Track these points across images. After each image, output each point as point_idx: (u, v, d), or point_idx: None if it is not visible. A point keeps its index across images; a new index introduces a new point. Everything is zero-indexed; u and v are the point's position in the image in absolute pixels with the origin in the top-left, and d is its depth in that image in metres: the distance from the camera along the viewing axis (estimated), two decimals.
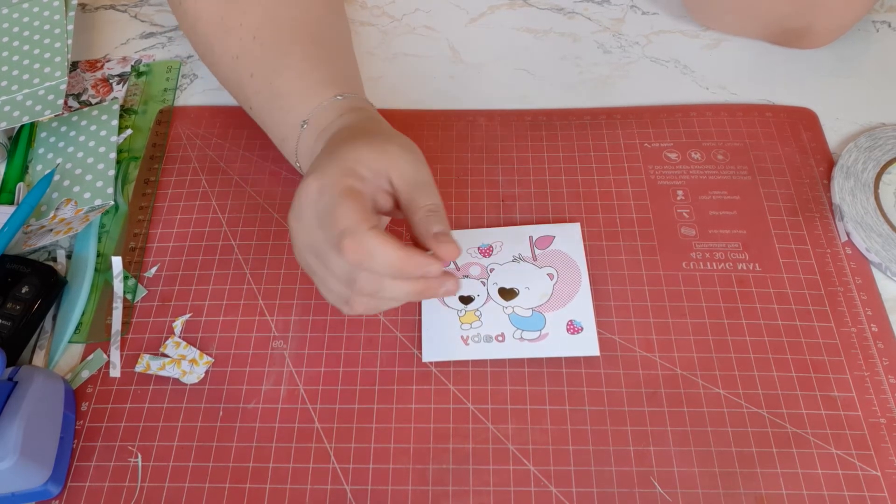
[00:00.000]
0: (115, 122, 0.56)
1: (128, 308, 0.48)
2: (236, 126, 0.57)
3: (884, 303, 0.47)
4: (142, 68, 0.61)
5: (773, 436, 0.42)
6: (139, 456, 0.43)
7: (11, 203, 0.53)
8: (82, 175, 0.53)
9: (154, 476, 0.42)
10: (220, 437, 0.43)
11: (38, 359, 0.47)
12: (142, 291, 0.49)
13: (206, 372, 0.46)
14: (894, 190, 0.51)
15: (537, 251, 0.49)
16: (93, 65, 0.62)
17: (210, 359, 0.46)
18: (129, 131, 0.57)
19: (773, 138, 0.54)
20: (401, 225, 0.50)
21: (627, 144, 0.54)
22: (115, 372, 0.46)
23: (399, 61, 0.61)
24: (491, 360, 0.45)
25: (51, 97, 0.55)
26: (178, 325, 0.47)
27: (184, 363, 0.46)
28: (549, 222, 0.51)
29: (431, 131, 0.56)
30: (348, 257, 0.36)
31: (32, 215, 0.52)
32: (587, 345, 0.45)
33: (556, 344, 0.45)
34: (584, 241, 0.49)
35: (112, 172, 0.53)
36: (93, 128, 0.56)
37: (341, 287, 0.39)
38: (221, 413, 0.44)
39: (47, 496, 0.41)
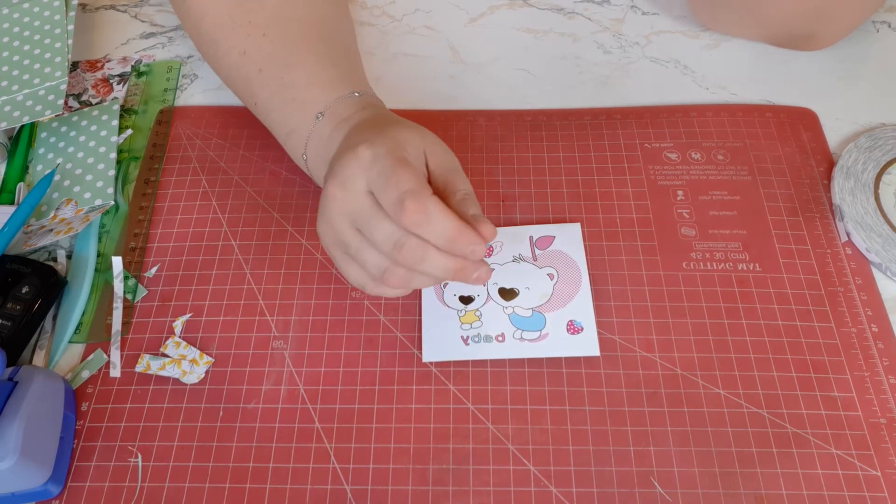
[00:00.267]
0: (116, 123, 0.56)
1: (128, 308, 0.48)
2: (236, 126, 0.57)
3: (884, 303, 0.47)
4: (142, 68, 0.61)
5: (773, 436, 0.42)
6: (139, 456, 0.43)
7: (12, 203, 0.53)
8: (82, 175, 0.53)
9: (154, 476, 0.42)
10: (221, 437, 0.43)
11: (39, 359, 0.47)
12: (142, 291, 0.49)
13: (207, 372, 0.46)
14: (894, 190, 0.51)
15: (537, 251, 0.49)
16: (93, 65, 0.62)
17: (210, 359, 0.46)
18: (129, 131, 0.57)
19: (773, 138, 0.54)
20: None
21: (627, 144, 0.54)
22: (115, 372, 0.46)
23: (399, 61, 0.61)
24: (491, 361, 0.45)
25: (51, 97, 0.55)
26: (179, 325, 0.47)
27: (184, 363, 0.46)
28: (549, 222, 0.51)
29: (431, 131, 0.55)
30: (408, 217, 0.36)
31: (33, 215, 0.52)
32: (587, 345, 0.45)
33: (557, 344, 0.45)
34: (584, 241, 0.49)
35: (112, 172, 0.53)
36: (93, 128, 0.56)
37: (379, 258, 0.39)
38: (221, 413, 0.44)
39: (47, 496, 0.41)
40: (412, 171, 0.38)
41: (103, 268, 0.50)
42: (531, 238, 0.50)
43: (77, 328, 0.48)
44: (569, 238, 0.50)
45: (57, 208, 0.52)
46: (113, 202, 0.52)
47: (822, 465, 0.41)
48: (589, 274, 0.48)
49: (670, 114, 0.56)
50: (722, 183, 0.52)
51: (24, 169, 0.55)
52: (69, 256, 0.51)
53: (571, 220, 0.51)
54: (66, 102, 0.58)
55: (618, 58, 0.60)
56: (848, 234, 0.49)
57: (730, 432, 0.42)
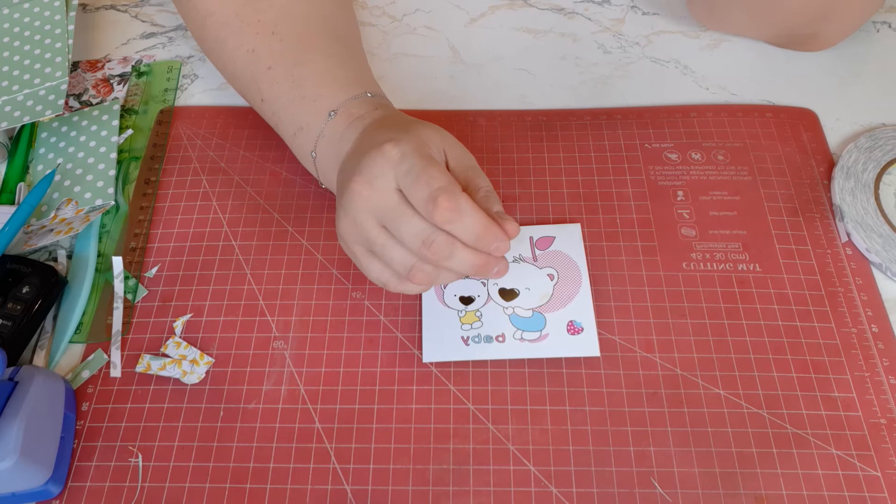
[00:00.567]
0: (116, 123, 0.56)
1: (128, 308, 0.48)
2: (237, 126, 0.57)
3: (884, 303, 0.47)
4: (142, 68, 0.61)
5: (773, 436, 0.42)
6: (140, 456, 0.43)
7: (12, 203, 0.53)
8: (83, 175, 0.53)
9: (154, 476, 0.42)
10: (221, 438, 0.43)
11: (39, 359, 0.47)
12: (142, 291, 0.49)
13: (207, 372, 0.46)
14: (895, 190, 0.51)
15: (538, 252, 0.49)
16: (93, 65, 0.62)
17: (211, 359, 0.46)
18: (129, 131, 0.57)
19: (774, 138, 0.54)
20: None
21: (627, 145, 0.54)
22: (115, 372, 0.46)
23: (399, 61, 0.61)
24: (491, 361, 0.45)
25: (51, 97, 0.55)
26: (179, 325, 0.47)
27: (184, 363, 0.46)
28: (549, 223, 0.51)
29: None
30: (441, 214, 0.37)
31: (33, 215, 0.52)
32: (587, 345, 0.45)
33: (557, 344, 0.45)
34: (584, 241, 0.50)
35: (113, 172, 0.53)
36: (93, 128, 0.56)
37: (406, 255, 0.39)
38: (222, 413, 0.44)
39: (48, 496, 0.41)
40: (442, 169, 0.38)
41: (104, 268, 0.50)
42: (531, 238, 0.50)
43: (77, 328, 0.48)
44: (569, 238, 0.50)
45: (57, 208, 0.52)
46: (113, 202, 0.52)
47: (822, 466, 0.41)
48: (589, 274, 0.48)
49: (670, 114, 0.56)
50: (722, 183, 0.52)
51: (25, 169, 0.55)
52: (69, 256, 0.51)
53: (571, 221, 0.51)
54: (66, 102, 0.58)
55: (618, 58, 0.60)
56: (848, 235, 0.49)
57: (730, 433, 0.42)
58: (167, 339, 0.47)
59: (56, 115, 0.54)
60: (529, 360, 0.45)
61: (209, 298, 0.48)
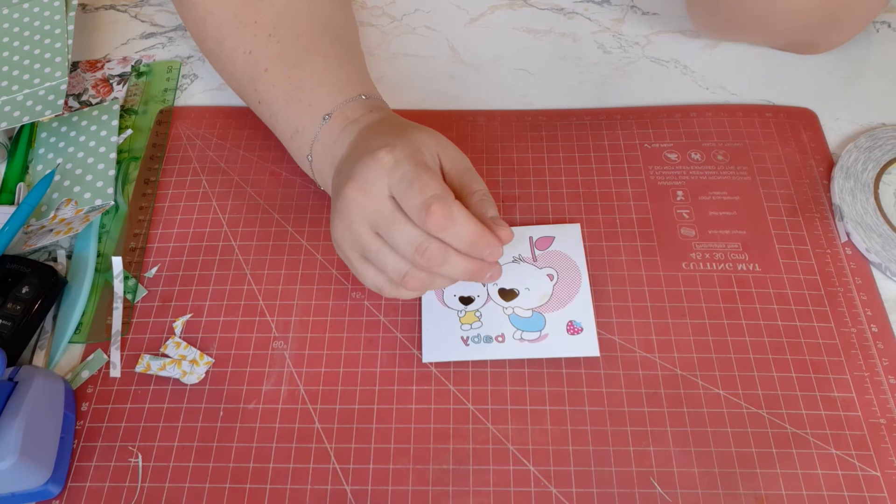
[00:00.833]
0: (116, 123, 0.56)
1: (128, 308, 0.48)
2: (237, 126, 0.57)
3: (884, 303, 0.47)
4: (142, 68, 0.61)
5: (772, 436, 0.42)
6: (139, 456, 0.43)
7: (12, 203, 0.53)
8: (83, 175, 0.53)
9: (154, 476, 0.42)
10: (221, 438, 0.43)
11: (39, 359, 0.47)
12: (142, 292, 0.49)
13: (207, 372, 0.46)
14: (894, 190, 0.51)
15: (537, 252, 0.49)
16: (93, 65, 0.62)
17: (210, 359, 0.46)
18: (129, 131, 0.57)
19: (773, 138, 0.54)
20: None
21: (627, 145, 0.54)
22: (115, 372, 0.46)
23: (399, 61, 0.61)
24: (491, 361, 0.45)
25: (51, 97, 0.55)
26: (179, 325, 0.47)
27: (184, 363, 0.46)
28: (549, 223, 0.51)
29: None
30: (434, 222, 0.37)
31: (33, 215, 0.52)
32: (587, 345, 0.45)
33: (556, 344, 0.45)
34: (584, 241, 0.50)
35: (112, 172, 0.53)
36: (93, 128, 0.56)
37: (399, 261, 0.40)
38: (222, 413, 0.44)
39: (47, 496, 0.41)
40: (435, 176, 0.38)
41: (103, 268, 0.50)
42: (531, 238, 0.50)
43: (77, 328, 0.48)
44: (569, 238, 0.50)
45: (57, 208, 0.52)
46: (113, 202, 0.52)
47: (821, 466, 0.41)
48: (589, 274, 0.48)
49: (670, 114, 0.56)
50: (722, 183, 0.52)
51: (24, 169, 0.55)
52: (69, 256, 0.51)
53: (571, 221, 0.51)
54: (66, 102, 0.58)
55: (618, 58, 0.60)
56: (848, 234, 0.49)
57: (729, 433, 0.42)
58: (167, 339, 0.47)
59: (56, 116, 0.54)
60: (529, 360, 0.45)
61: (209, 298, 0.48)
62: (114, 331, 0.47)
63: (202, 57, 0.61)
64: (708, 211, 0.51)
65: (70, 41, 0.58)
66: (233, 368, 0.46)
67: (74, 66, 0.61)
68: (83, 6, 0.66)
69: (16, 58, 0.58)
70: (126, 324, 0.48)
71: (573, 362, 0.45)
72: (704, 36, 0.61)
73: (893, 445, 0.42)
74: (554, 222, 0.51)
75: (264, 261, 0.50)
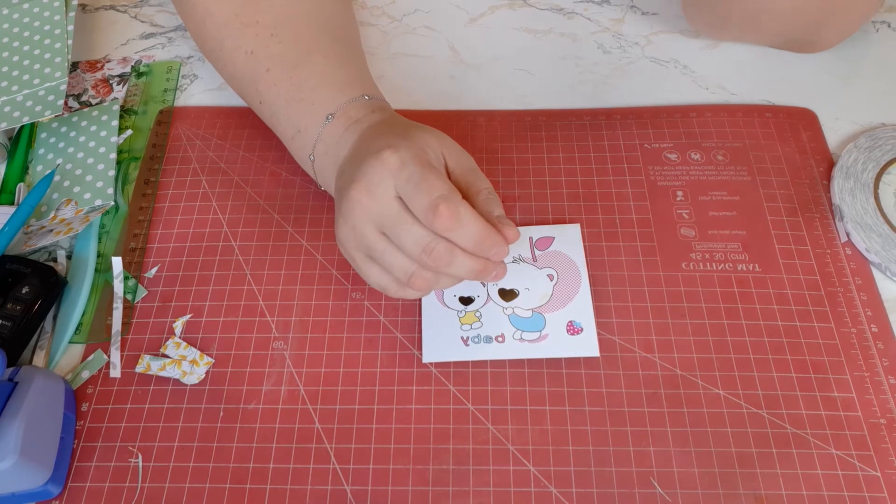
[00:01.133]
0: (116, 123, 0.56)
1: (128, 308, 0.48)
2: (236, 127, 0.57)
3: (884, 303, 0.47)
4: (142, 69, 0.61)
5: (772, 436, 0.42)
6: (139, 456, 0.43)
7: (11, 203, 0.53)
8: (82, 175, 0.53)
9: (154, 476, 0.42)
10: (221, 438, 0.43)
11: (39, 359, 0.47)
12: (142, 292, 0.49)
13: (207, 373, 0.46)
14: (894, 190, 0.51)
15: (537, 252, 0.49)
16: (93, 65, 0.62)
17: (210, 359, 0.46)
18: (129, 132, 0.57)
19: (773, 138, 0.54)
20: None
21: (627, 145, 0.54)
22: (115, 372, 0.46)
23: (399, 61, 0.61)
24: (491, 361, 0.45)
25: (51, 98, 0.55)
26: (179, 325, 0.47)
27: (184, 364, 0.46)
28: (548, 223, 0.51)
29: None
30: (441, 222, 0.37)
31: (33, 216, 0.52)
32: (587, 345, 0.45)
33: (556, 345, 0.45)
34: (583, 241, 0.50)
35: (112, 173, 0.53)
36: (93, 128, 0.56)
37: (406, 262, 0.40)
38: (222, 414, 0.44)
39: (47, 496, 0.41)
40: (441, 177, 0.38)
41: (103, 268, 0.50)
42: (531, 239, 0.50)
43: (77, 328, 0.48)
44: (568, 239, 0.50)
45: (57, 209, 0.52)
46: (113, 202, 0.52)
47: (821, 466, 0.41)
48: (588, 274, 0.48)
49: (670, 114, 0.56)
50: (721, 183, 0.52)
51: (24, 169, 0.55)
52: (69, 257, 0.51)
53: (571, 221, 0.51)
54: (65, 103, 0.58)
55: (618, 58, 0.60)
56: (848, 235, 0.49)
57: (729, 433, 0.42)
58: (167, 339, 0.47)
59: (55, 116, 0.54)
60: (529, 360, 0.45)
61: (209, 299, 0.48)
62: (114, 331, 0.47)
63: (202, 57, 0.61)
64: (708, 211, 0.51)
65: (70, 41, 0.58)
66: (233, 369, 0.46)
67: (74, 66, 0.61)
68: (83, 6, 0.66)
69: (15, 58, 0.58)
70: (126, 324, 0.48)
71: (573, 362, 0.45)
72: (703, 35, 0.61)
73: (893, 445, 0.42)
74: (554, 222, 0.51)
75: (264, 261, 0.50)
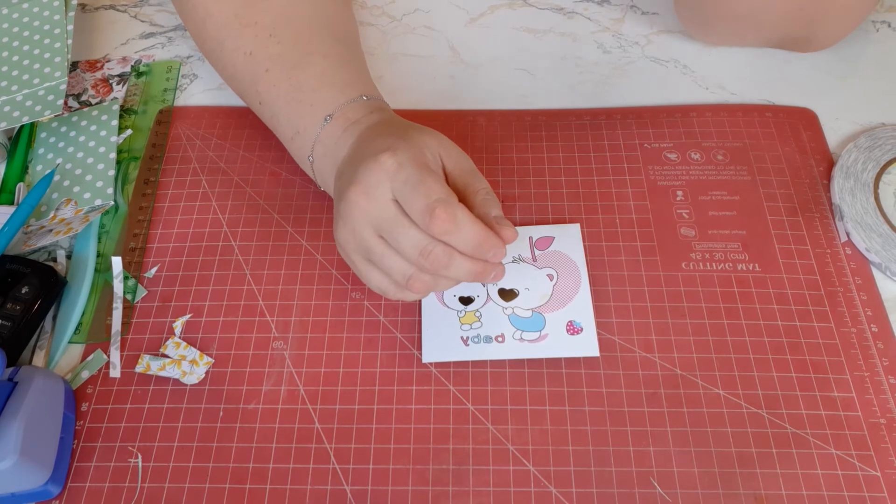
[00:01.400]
0: (115, 123, 0.56)
1: (128, 308, 0.48)
2: (236, 126, 0.57)
3: (884, 303, 0.47)
4: (142, 68, 0.61)
5: (772, 436, 0.42)
6: (139, 456, 0.43)
7: (11, 203, 0.53)
8: (82, 175, 0.53)
9: (154, 476, 0.42)
10: (221, 438, 0.43)
11: (38, 359, 0.47)
12: (142, 292, 0.49)
13: (207, 372, 0.46)
14: (894, 190, 0.51)
15: (537, 252, 0.49)
16: (93, 65, 0.62)
17: (210, 359, 0.46)
18: (128, 131, 0.57)
19: (773, 138, 0.54)
20: None
21: (627, 145, 0.54)
22: (115, 372, 0.46)
23: (399, 61, 0.61)
24: (491, 361, 0.45)
25: (51, 97, 0.55)
26: (179, 325, 0.47)
27: (184, 364, 0.46)
28: (548, 223, 0.51)
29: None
30: (438, 225, 0.37)
31: (32, 215, 0.52)
32: (587, 345, 0.45)
33: (556, 344, 0.45)
34: (583, 241, 0.49)
35: (112, 172, 0.53)
36: (93, 128, 0.56)
37: (404, 265, 0.40)
38: (221, 414, 0.44)
39: (47, 496, 0.41)
40: (438, 179, 0.38)
41: (103, 268, 0.50)
42: (531, 239, 0.50)
43: (77, 328, 0.48)
44: (568, 238, 0.50)
45: (57, 208, 0.52)
46: (112, 202, 0.52)
47: (821, 466, 0.41)
48: (588, 274, 0.48)
49: (670, 114, 0.56)
50: (721, 183, 0.52)
51: (24, 169, 0.55)
52: (69, 256, 0.51)
53: (571, 221, 0.51)
54: (65, 102, 0.58)
55: (618, 58, 0.60)
56: (848, 234, 0.49)
57: (729, 433, 0.42)
58: (167, 339, 0.47)
59: (55, 116, 0.54)
60: (529, 360, 0.45)
61: (208, 299, 0.48)
62: (113, 331, 0.47)
63: (202, 57, 0.61)
64: (708, 211, 0.51)
65: (69, 41, 0.58)
66: (232, 369, 0.46)
67: (74, 66, 0.61)
68: (83, 6, 0.66)
69: (15, 58, 0.58)
70: (126, 324, 0.48)
71: (573, 362, 0.45)
72: (695, 38, 0.61)
73: (893, 445, 0.42)
74: (554, 222, 0.51)
75: (264, 261, 0.50)
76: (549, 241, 0.50)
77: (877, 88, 0.57)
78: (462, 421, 0.43)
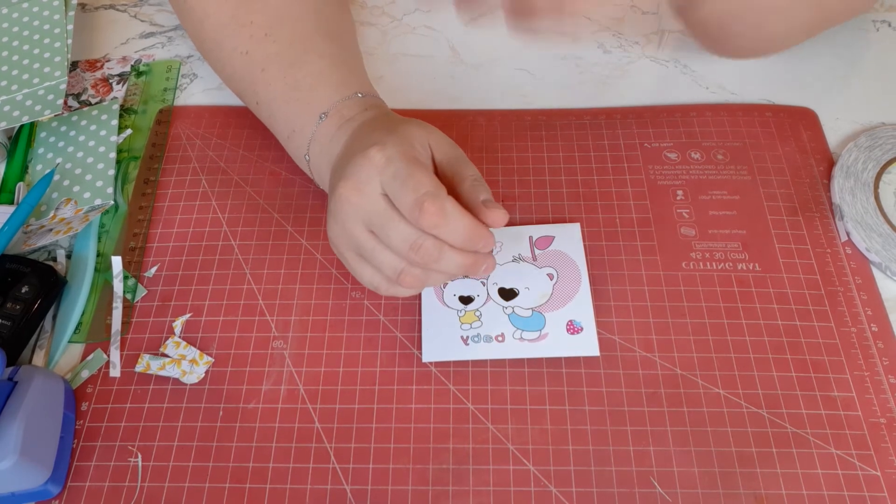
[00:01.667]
0: (115, 122, 0.56)
1: (128, 308, 0.48)
2: (236, 126, 0.57)
3: (884, 302, 0.47)
4: (142, 68, 0.61)
5: (772, 436, 0.42)
6: (139, 456, 0.43)
7: (11, 203, 0.53)
8: (82, 175, 0.53)
9: (154, 476, 0.42)
10: (220, 437, 0.43)
11: (38, 359, 0.47)
12: (142, 291, 0.49)
13: (206, 372, 0.46)
14: (894, 190, 0.51)
15: (537, 251, 0.49)
16: (93, 64, 0.62)
17: (210, 359, 0.46)
18: (128, 131, 0.57)
19: (773, 138, 0.54)
20: None
21: (627, 144, 0.54)
22: (115, 372, 0.46)
23: (399, 61, 0.61)
24: (491, 361, 0.45)
25: (51, 97, 0.55)
26: (178, 325, 0.47)
27: (184, 363, 0.46)
28: (549, 222, 0.51)
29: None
30: (427, 219, 0.37)
31: (32, 215, 0.52)
32: (587, 345, 0.45)
33: (556, 344, 0.45)
34: (583, 241, 0.49)
35: (112, 172, 0.53)
36: (93, 127, 0.56)
37: (394, 259, 0.40)
38: (221, 413, 0.44)
39: (47, 496, 0.41)
40: (427, 172, 0.38)
41: (103, 268, 0.50)
42: (531, 238, 0.50)
43: (77, 328, 0.48)
44: (568, 238, 0.50)
45: (56, 208, 0.52)
46: (112, 202, 0.52)
47: (821, 465, 0.41)
48: (589, 274, 0.48)
49: (670, 114, 0.56)
50: (722, 183, 0.52)
51: (24, 169, 0.55)
52: (69, 256, 0.51)
53: (571, 220, 0.51)
54: (65, 102, 0.58)
55: (618, 57, 0.60)
56: (848, 234, 0.49)
57: (729, 432, 0.42)
58: (166, 338, 0.47)
59: (55, 115, 0.54)
60: (529, 359, 0.45)
61: (208, 298, 0.48)
62: (113, 330, 0.47)
63: (201, 56, 0.61)
64: (708, 210, 0.51)
65: (69, 41, 0.58)
66: (232, 368, 0.46)
67: (74, 65, 0.61)
68: (83, 6, 0.66)
69: (15, 57, 0.58)
70: (126, 323, 0.48)
71: (573, 362, 0.45)
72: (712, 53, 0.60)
73: (893, 445, 0.42)
74: (554, 222, 0.51)
75: (264, 260, 0.50)
76: (549, 240, 0.50)
77: (877, 88, 0.57)
78: (462, 420, 0.43)
